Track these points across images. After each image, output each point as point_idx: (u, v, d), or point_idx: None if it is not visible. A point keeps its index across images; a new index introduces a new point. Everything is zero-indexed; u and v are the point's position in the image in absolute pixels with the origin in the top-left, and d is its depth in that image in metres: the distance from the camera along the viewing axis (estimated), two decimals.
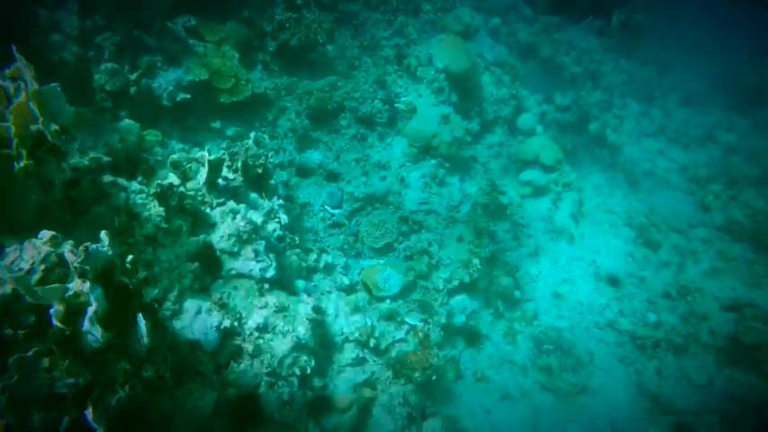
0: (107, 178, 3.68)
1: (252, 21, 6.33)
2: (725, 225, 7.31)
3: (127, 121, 4.37)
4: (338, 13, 7.48)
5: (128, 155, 4.10)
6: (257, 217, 3.95)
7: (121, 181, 3.78)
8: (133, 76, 5.08)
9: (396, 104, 6.69)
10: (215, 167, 3.95)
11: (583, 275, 6.19)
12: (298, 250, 4.63)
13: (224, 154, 4.20)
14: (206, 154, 3.90)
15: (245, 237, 3.75)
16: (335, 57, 7.32)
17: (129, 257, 2.21)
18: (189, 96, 5.47)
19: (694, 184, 8.59)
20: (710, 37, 15.22)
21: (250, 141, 4.54)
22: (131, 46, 5.25)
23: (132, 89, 5.09)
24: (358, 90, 6.65)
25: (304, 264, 4.66)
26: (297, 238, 4.65)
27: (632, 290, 6.15)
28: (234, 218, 3.75)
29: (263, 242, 3.87)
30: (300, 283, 4.32)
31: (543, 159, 7.36)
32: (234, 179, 4.28)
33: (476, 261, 5.02)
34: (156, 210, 3.45)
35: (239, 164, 4.29)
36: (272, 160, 5.57)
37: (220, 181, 4.17)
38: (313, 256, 4.85)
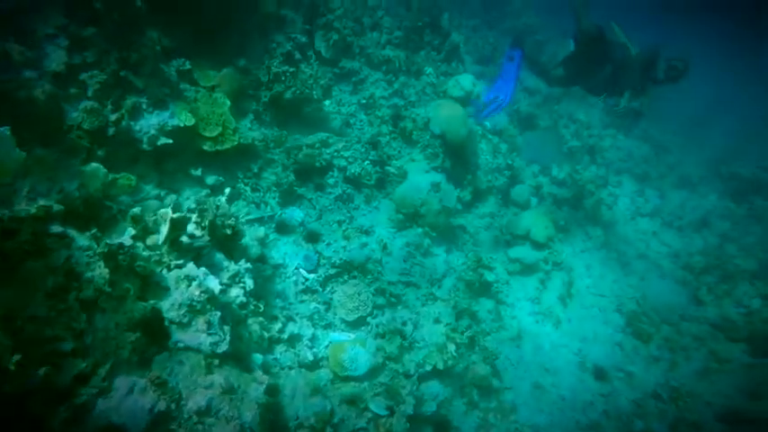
0: (56, 229, 3.39)
1: (248, 70, 6.23)
2: (718, 322, 7.00)
3: (93, 165, 4.14)
4: (339, 69, 7.46)
5: (86, 203, 3.82)
6: (215, 285, 3.63)
7: (72, 232, 3.48)
8: (113, 117, 4.88)
9: (386, 167, 6.51)
10: (178, 226, 3.67)
11: (567, 365, 5.80)
12: (261, 318, 4.28)
13: (193, 210, 3.93)
14: (169, 211, 3.62)
15: (198, 307, 3.41)
16: (332, 112, 7.23)
17: (16, 357, 1.87)
18: (171, 142, 5.25)
19: (688, 273, 8.33)
20: (710, 120, 15.49)
21: (222, 199, 4.28)
22: (118, 85, 5.08)
23: (111, 130, 4.87)
24: (349, 149, 6.49)
25: (266, 334, 4.30)
26: (262, 306, 4.30)
27: (620, 386, 5.75)
28: (189, 285, 3.43)
29: (219, 313, 3.53)
30: (258, 358, 3.95)
31: (535, 236, 7.13)
32: (201, 237, 3.99)
33: (452, 347, 4.66)
34: (100, 271, 3.13)
35: (207, 222, 4.02)
36: (244, 218, 5.31)
37: (185, 239, 3.87)
38: (278, 326, 4.49)
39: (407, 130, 6.89)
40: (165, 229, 3.58)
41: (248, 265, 4.27)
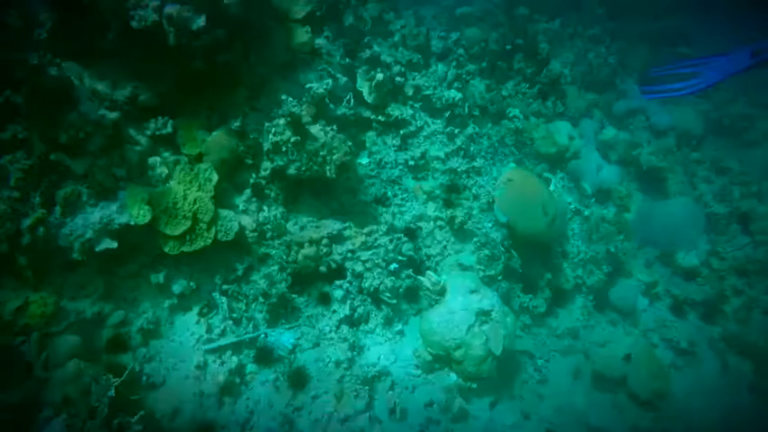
0: None
1: (244, 132, 4.72)
2: None
3: None
4: (384, 117, 5.65)
5: None
6: None
7: None
8: (28, 222, 3.65)
9: (420, 277, 4.67)
10: None
11: None
12: None
13: None
14: None
15: None
16: (368, 175, 5.48)
17: None
18: (115, 246, 3.93)
19: None
20: None
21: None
22: (51, 171, 3.86)
23: (25, 238, 3.66)
24: (371, 246, 4.74)
25: None
26: None
27: None
28: None
29: None
30: None
31: (634, 386, 4.89)
32: None
33: None
34: None
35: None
36: (212, 345, 3.88)
37: None
38: None
39: (457, 221, 4.94)
40: None
41: None
